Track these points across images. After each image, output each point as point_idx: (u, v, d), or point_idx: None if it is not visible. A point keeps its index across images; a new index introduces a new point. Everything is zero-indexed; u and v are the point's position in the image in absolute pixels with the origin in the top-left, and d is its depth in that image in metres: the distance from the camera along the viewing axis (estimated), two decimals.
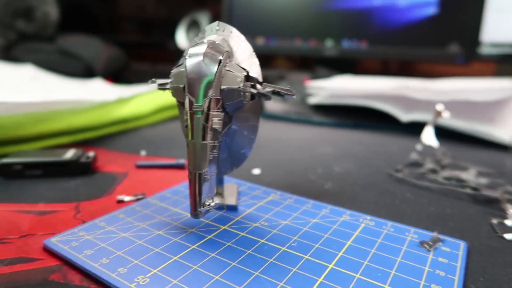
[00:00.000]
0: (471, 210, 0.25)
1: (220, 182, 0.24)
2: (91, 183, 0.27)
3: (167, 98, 0.50)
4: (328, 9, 0.84)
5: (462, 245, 0.20)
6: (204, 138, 0.18)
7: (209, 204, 0.19)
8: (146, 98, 0.48)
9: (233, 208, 0.23)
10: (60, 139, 0.36)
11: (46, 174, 0.28)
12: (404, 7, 0.80)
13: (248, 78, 0.19)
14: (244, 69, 0.19)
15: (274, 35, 0.90)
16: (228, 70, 0.19)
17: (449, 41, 0.77)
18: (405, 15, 0.80)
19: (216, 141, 0.19)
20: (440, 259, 0.18)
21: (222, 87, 0.19)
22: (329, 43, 0.85)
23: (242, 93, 0.19)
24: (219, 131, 0.19)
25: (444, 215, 0.24)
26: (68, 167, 0.28)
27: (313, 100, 0.54)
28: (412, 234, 0.21)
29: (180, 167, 0.31)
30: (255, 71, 0.20)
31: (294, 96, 0.19)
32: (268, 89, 0.19)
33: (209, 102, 0.18)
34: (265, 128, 0.48)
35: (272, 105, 0.57)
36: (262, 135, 0.44)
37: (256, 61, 0.21)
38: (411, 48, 0.80)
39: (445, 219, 0.23)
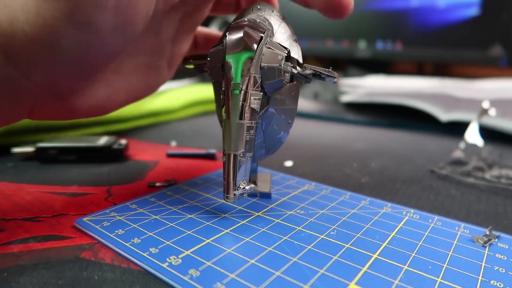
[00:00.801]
0: None
1: (253, 170, 0.23)
2: (122, 169, 0.27)
3: (196, 93, 0.50)
4: (362, 10, 0.83)
5: None
6: (241, 117, 0.18)
7: (243, 188, 0.18)
8: (177, 93, 0.48)
9: (266, 196, 0.22)
10: (93, 129, 0.36)
11: (79, 159, 0.28)
12: (444, 8, 0.77)
13: (288, 58, 0.18)
14: (285, 47, 0.18)
15: (304, 35, 0.89)
16: (269, 48, 0.18)
17: (491, 43, 0.74)
18: (444, 16, 0.77)
19: (253, 122, 0.18)
20: (498, 255, 0.16)
21: (262, 65, 0.18)
22: (361, 44, 0.83)
23: (282, 72, 0.18)
24: (256, 111, 0.18)
25: (496, 213, 0.22)
26: (101, 153, 0.28)
27: (346, 98, 0.52)
28: (463, 229, 0.19)
29: (210, 157, 0.30)
30: (296, 52, 0.20)
31: (336, 80, 0.18)
32: (309, 71, 0.18)
33: (248, 80, 0.18)
34: (297, 125, 0.47)
35: (304, 104, 0.56)
36: (294, 132, 0.43)
37: (296, 42, 0.20)
38: (450, 50, 0.77)
39: (497, 217, 0.21)
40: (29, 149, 0.28)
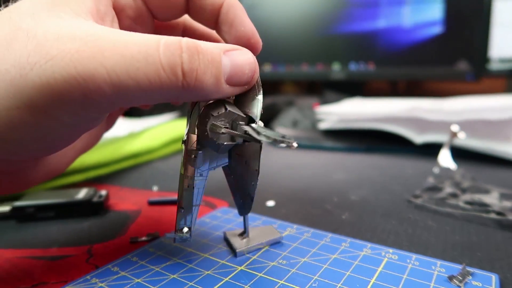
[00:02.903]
0: (498, 237, 0.24)
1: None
2: (103, 223, 0.27)
3: (176, 130, 0.50)
4: (333, 33, 0.85)
5: (493, 278, 0.18)
6: (184, 170, 0.19)
7: (182, 234, 0.19)
8: (157, 131, 0.49)
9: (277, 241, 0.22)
10: (72, 178, 0.36)
11: (58, 215, 0.28)
12: (410, 28, 0.80)
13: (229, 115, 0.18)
14: (225, 106, 0.18)
15: (281, 61, 0.91)
16: (205, 107, 0.18)
17: (457, 58, 0.77)
18: (411, 36, 0.80)
19: (192, 177, 0.19)
20: None
21: (198, 125, 0.18)
22: (336, 67, 0.85)
23: (213, 133, 0.18)
24: (196, 168, 0.19)
25: (470, 244, 0.23)
26: (81, 207, 0.28)
27: (323, 125, 0.54)
28: (439, 267, 0.19)
29: None
30: (255, 108, 0.19)
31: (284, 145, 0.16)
32: (245, 128, 0.17)
33: (187, 138, 0.19)
34: (277, 155, 0.48)
35: (283, 132, 0.57)
36: (274, 163, 0.43)
37: (259, 98, 0.19)
38: (420, 68, 0.80)
39: (472, 249, 0.22)
40: (4, 208, 0.27)
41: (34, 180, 0.20)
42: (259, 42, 0.21)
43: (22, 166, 0.18)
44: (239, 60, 0.17)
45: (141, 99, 0.16)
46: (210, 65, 0.16)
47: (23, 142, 0.16)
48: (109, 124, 0.26)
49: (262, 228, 0.24)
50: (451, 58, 0.78)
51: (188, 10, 0.22)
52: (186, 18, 0.25)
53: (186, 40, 0.15)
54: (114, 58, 0.14)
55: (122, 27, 0.21)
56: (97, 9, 0.18)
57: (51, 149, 0.18)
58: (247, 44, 0.20)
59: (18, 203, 0.27)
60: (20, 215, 0.27)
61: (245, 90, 0.18)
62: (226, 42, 0.21)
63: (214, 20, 0.21)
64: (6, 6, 0.16)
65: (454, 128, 0.37)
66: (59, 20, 0.15)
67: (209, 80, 0.16)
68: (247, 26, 0.20)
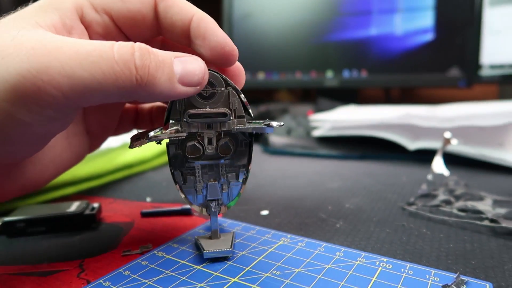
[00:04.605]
0: (492, 245, 0.24)
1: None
2: (95, 236, 0.27)
3: None
4: (326, 41, 0.86)
5: (487, 286, 0.18)
6: None
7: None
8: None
9: (227, 254, 0.22)
10: (64, 190, 0.35)
11: (49, 229, 0.27)
12: (401, 35, 0.81)
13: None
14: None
15: (274, 69, 0.91)
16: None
17: (449, 65, 0.78)
18: (403, 43, 0.81)
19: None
20: None
21: None
22: (329, 74, 0.86)
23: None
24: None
25: (464, 252, 0.23)
26: (72, 220, 0.27)
27: (317, 133, 0.54)
28: (433, 276, 0.19)
29: (186, 213, 0.30)
30: None
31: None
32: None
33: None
34: (270, 164, 0.48)
35: (278, 140, 0.57)
36: (268, 172, 0.43)
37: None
38: (412, 75, 0.81)
39: (466, 257, 0.22)
40: None
41: (9, 192, 0.20)
42: (234, 49, 0.21)
43: None
44: (189, 62, 0.18)
45: (98, 94, 0.16)
46: (162, 65, 0.17)
47: None
48: (94, 145, 0.26)
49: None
50: (443, 65, 0.78)
51: (159, 29, 0.22)
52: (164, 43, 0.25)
53: (138, 43, 0.16)
54: (68, 53, 0.15)
55: None
56: (63, 22, 0.18)
57: (16, 154, 0.18)
58: (223, 53, 0.20)
59: (8, 218, 0.27)
60: (10, 230, 0.27)
61: (197, 91, 0.19)
62: (202, 55, 0.21)
63: (186, 36, 0.21)
64: None
65: (447, 135, 0.37)
66: (20, 29, 0.16)
67: (162, 77, 0.17)
68: (220, 36, 0.20)
